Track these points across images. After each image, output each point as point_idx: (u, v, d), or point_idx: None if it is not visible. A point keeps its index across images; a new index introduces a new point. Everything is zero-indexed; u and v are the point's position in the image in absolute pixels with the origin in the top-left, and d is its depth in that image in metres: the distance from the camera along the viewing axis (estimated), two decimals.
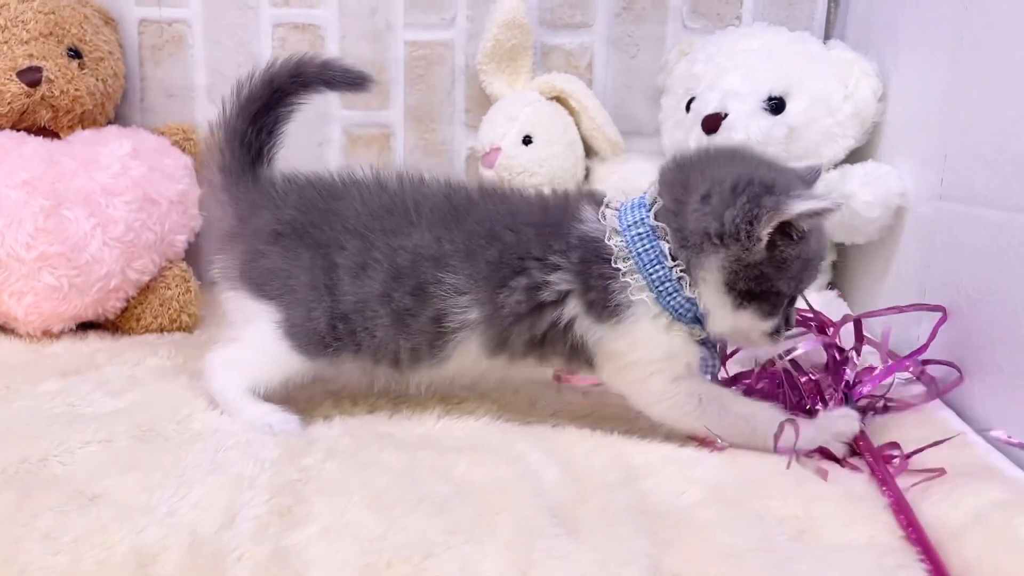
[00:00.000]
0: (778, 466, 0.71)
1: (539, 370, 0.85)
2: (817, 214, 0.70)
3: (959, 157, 0.94)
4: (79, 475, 0.67)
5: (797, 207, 0.69)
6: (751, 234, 0.70)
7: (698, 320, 0.75)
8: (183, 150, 1.27)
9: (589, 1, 1.32)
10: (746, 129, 1.08)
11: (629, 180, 1.24)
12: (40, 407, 0.84)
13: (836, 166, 1.13)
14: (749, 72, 1.12)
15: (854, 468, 0.73)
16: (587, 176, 1.30)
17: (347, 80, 0.88)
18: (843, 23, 1.29)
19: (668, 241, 0.74)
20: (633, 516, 0.61)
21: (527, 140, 1.24)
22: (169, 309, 1.15)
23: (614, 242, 0.75)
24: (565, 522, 0.60)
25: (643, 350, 0.75)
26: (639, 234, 0.75)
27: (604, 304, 0.75)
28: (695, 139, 1.12)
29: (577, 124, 1.28)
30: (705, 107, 1.12)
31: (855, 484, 0.70)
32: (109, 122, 1.29)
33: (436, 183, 0.84)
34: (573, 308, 0.76)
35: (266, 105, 0.87)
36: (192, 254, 1.32)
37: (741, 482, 0.67)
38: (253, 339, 0.83)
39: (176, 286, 1.16)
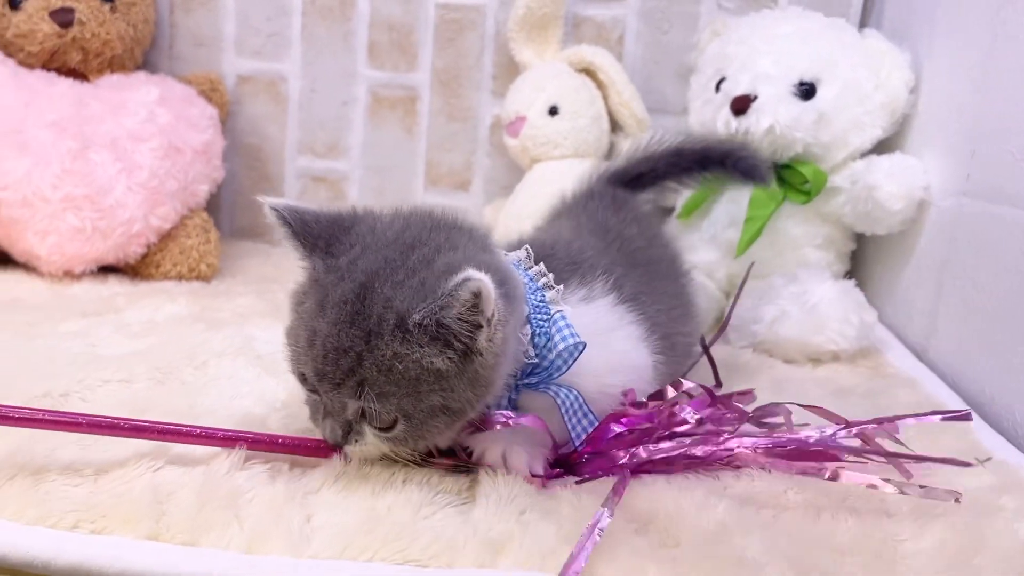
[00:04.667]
0: None
1: None
2: None
3: (988, 154, 0.93)
4: (100, 412, 0.69)
5: None
6: None
7: None
8: (209, 100, 1.28)
9: None
10: (775, 113, 1.07)
11: None
12: (61, 345, 0.85)
13: (862, 156, 1.12)
14: (781, 56, 1.11)
15: None
16: (611, 151, 1.30)
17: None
18: (880, 12, 1.28)
19: None
20: None
21: (553, 111, 1.24)
22: (188, 258, 1.16)
23: None
24: None
25: None
26: None
27: None
28: (723, 120, 1.11)
29: (604, 98, 1.27)
30: (735, 88, 1.11)
31: None
32: (137, 68, 1.30)
33: None
34: None
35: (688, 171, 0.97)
36: (213, 204, 1.33)
37: None
38: None
39: (196, 235, 1.17)
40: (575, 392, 0.64)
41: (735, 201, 1.15)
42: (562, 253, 0.72)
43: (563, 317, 0.63)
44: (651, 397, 0.69)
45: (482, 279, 0.53)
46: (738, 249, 1.10)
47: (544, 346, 0.63)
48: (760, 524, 0.57)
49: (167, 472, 0.60)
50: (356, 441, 0.59)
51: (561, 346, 0.62)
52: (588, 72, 1.27)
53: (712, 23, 1.26)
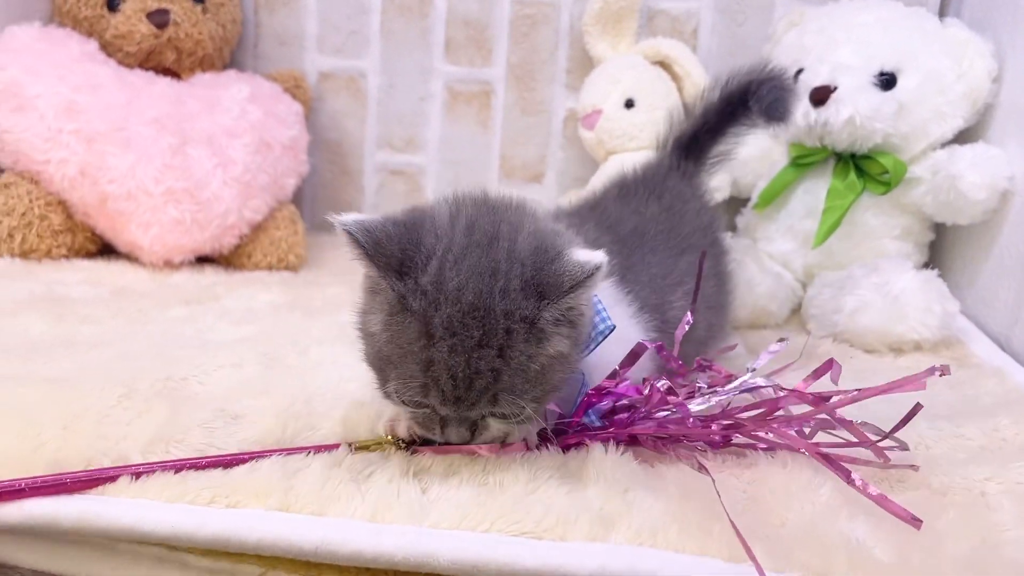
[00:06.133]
0: None
1: None
2: None
3: None
4: (218, 395, 0.73)
5: None
6: None
7: None
8: (293, 97, 1.32)
9: None
10: (855, 103, 1.07)
11: None
12: (172, 331, 0.90)
13: (944, 146, 1.12)
14: (861, 46, 1.11)
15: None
16: None
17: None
18: (960, 0, 1.27)
19: None
20: None
21: (629, 104, 1.25)
22: (278, 248, 1.20)
23: None
24: None
25: None
26: None
27: None
28: (802, 111, 1.11)
29: (680, 90, 1.28)
30: (814, 79, 1.12)
31: None
32: (225, 67, 1.35)
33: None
34: None
35: (736, 111, 0.93)
36: (296, 198, 1.37)
37: None
38: None
39: (285, 227, 1.22)
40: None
41: (812, 192, 1.16)
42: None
43: (599, 300, 0.64)
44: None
45: (599, 259, 0.56)
46: (816, 240, 1.11)
47: None
48: (864, 509, 0.59)
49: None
50: (482, 433, 0.61)
51: (602, 326, 0.63)
52: (663, 65, 1.28)
53: (788, 14, 1.27)
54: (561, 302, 0.57)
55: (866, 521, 0.58)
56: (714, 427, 0.66)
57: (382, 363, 0.59)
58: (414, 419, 0.62)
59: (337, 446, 0.64)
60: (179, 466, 0.60)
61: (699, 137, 0.95)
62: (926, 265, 1.17)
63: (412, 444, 0.65)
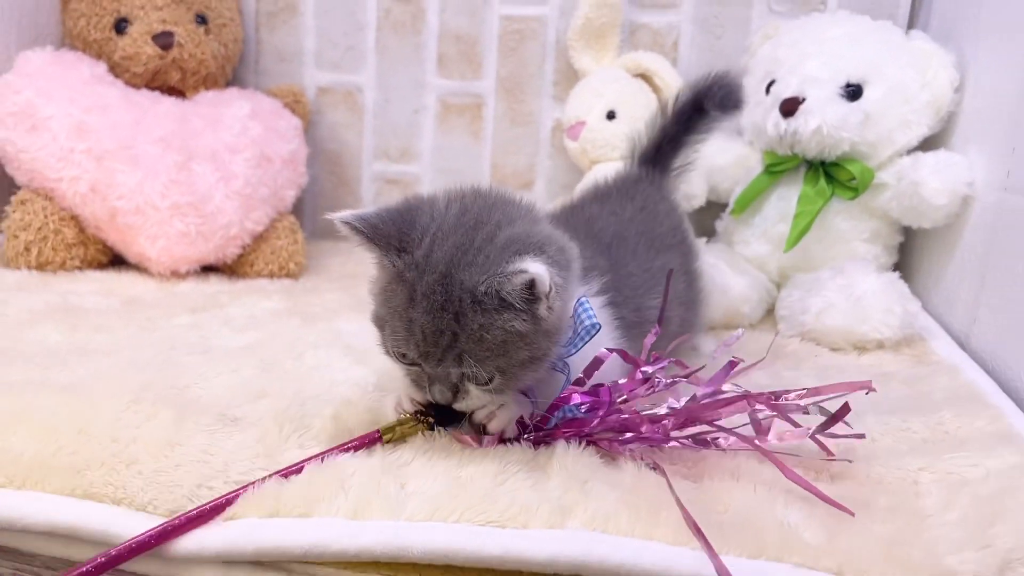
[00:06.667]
0: None
1: None
2: None
3: None
4: (219, 400, 0.79)
5: None
6: None
7: None
8: (293, 112, 1.39)
9: None
10: (822, 114, 1.13)
11: (707, 158, 1.30)
12: (179, 337, 0.96)
13: (908, 153, 1.17)
14: (830, 59, 1.17)
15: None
16: None
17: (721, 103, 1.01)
18: (927, 12, 1.32)
19: None
20: None
21: (611, 115, 1.31)
22: (279, 257, 1.27)
23: None
24: None
25: None
26: None
27: None
28: (772, 122, 1.17)
29: (660, 101, 1.34)
30: (784, 91, 1.17)
31: None
32: (228, 84, 1.41)
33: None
34: None
35: (690, 120, 1.03)
36: (296, 207, 1.44)
37: None
38: None
39: (285, 237, 1.29)
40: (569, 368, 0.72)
41: (785, 198, 1.21)
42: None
43: (587, 300, 0.70)
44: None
45: (537, 273, 0.61)
46: (787, 243, 1.16)
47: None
48: (800, 498, 0.64)
49: (288, 454, 0.69)
50: (463, 398, 0.68)
51: (588, 323, 0.68)
52: (644, 77, 1.34)
53: (764, 27, 1.32)
54: (492, 284, 0.62)
55: (801, 508, 0.64)
56: (669, 428, 0.72)
57: (381, 322, 0.69)
58: (408, 376, 0.70)
59: (332, 451, 0.70)
60: (183, 522, 0.62)
61: (662, 148, 1.03)
62: (896, 267, 1.23)
63: (427, 416, 0.72)
